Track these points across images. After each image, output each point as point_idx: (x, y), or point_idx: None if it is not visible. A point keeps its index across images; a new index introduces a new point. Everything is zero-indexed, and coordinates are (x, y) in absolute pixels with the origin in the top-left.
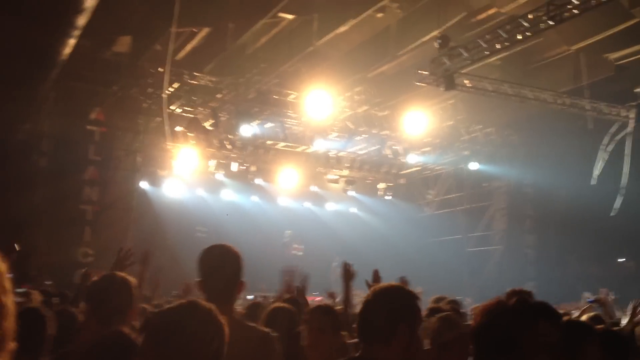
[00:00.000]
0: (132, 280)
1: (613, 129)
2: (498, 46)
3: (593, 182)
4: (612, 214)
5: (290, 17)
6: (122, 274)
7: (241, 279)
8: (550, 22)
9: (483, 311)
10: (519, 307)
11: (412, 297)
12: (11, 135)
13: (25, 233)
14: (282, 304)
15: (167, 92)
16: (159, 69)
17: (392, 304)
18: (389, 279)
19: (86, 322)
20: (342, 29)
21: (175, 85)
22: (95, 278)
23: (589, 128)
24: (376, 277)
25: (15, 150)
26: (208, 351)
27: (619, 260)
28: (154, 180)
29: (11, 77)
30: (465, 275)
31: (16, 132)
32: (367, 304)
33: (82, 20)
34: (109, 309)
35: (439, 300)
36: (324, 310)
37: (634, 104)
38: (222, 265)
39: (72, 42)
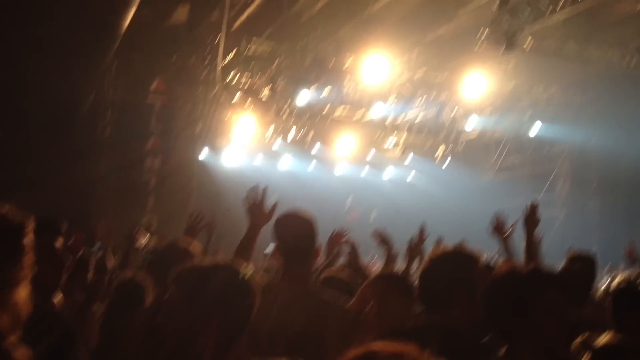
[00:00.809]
0: (195, 249)
1: None
2: (562, 1)
3: None
4: None
5: None
6: (186, 242)
7: (316, 245)
8: None
9: (496, 275)
10: (531, 274)
11: (469, 262)
12: (77, 106)
13: (91, 201)
14: (335, 272)
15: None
16: (217, 38)
17: (449, 271)
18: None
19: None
20: None
21: (233, 53)
22: (156, 244)
23: None
24: (422, 235)
25: (81, 120)
26: (235, 308)
27: None
28: (214, 150)
29: (76, 47)
30: None
31: (82, 102)
32: (426, 271)
33: None
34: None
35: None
36: (391, 276)
37: None
38: (298, 232)
39: (131, 11)
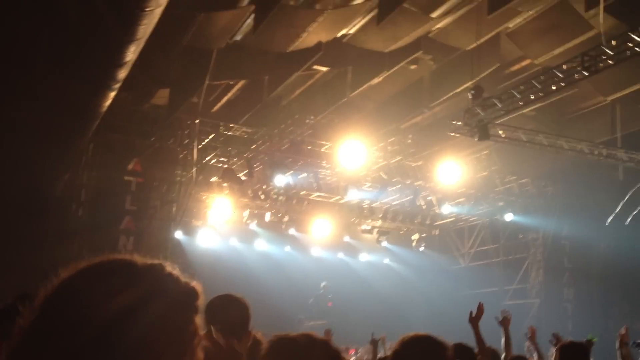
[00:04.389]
0: None
1: None
2: (532, 97)
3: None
4: None
5: (324, 69)
6: None
7: (248, 329)
8: (585, 73)
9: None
10: None
11: (440, 349)
12: (51, 187)
13: None
14: None
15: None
16: (195, 121)
17: (419, 356)
18: (422, 331)
19: None
20: (376, 80)
21: (211, 136)
22: None
23: (620, 179)
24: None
25: (55, 201)
26: None
27: None
28: (189, 230)
29: (54, 131)
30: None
31: (56, 183)
32: (397, 355)
33: (122, 74)
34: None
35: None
36: None
37: None
38: (227, 315)
39: (112, 95)
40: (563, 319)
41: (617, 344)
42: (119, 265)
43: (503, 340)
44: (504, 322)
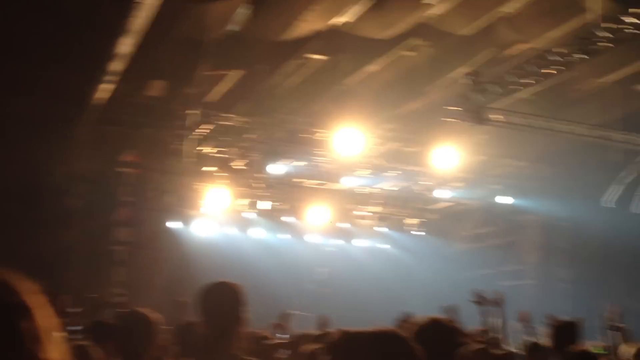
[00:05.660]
0: (153, 316)
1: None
2: (528, 81)
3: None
4: None
5: (320, 57)
6: (144, 310)
7: (241, 316)
8: (582, 56)
9: None
10: None
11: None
12: (46, 177)
13: (56, 273)
14: None
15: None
16: (190, 112)
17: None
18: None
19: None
20: (372, 67)
21: (207, 126)
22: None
23: (616, 160)
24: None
25: (50, 192)
26: None
27: None
28: (185, 220)
29: (48, 120)
30: None
31: (51, 173)
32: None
33: (115, 66)
34: (132, 345)
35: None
36: None
37: None
38: (221, 302)
39: (106, 86)
40: (558, 299)
41: (603, 323)
42: None
43: (500, 321)
44: (499, 303)
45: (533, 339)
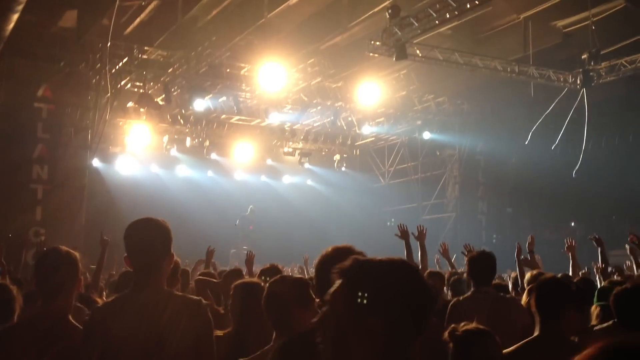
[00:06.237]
0: (76, 253)
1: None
2: (448, 15)
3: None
4: (574, 175)
5: None
6: (63, 248)
7: (169, 252)
8: None
9: None
10: None
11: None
12: None
13: None
14: None
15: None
16: (107, 44)
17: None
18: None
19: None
20: (294, 0)
21: (125, 59)
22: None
23: (532, 96)
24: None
25: None
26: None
27: (572, 224)
28: (106, 158)
29: None
30: None
31: None
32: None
33: None
34: (53, 283)
35: None
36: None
37: (580, 70)
38: (147, 238)
39: (14, 17)
40: (478, 230)
41: (518, 253)
42: None
43: (420, 254)
44: (420, 237)
45: (452, 270)
